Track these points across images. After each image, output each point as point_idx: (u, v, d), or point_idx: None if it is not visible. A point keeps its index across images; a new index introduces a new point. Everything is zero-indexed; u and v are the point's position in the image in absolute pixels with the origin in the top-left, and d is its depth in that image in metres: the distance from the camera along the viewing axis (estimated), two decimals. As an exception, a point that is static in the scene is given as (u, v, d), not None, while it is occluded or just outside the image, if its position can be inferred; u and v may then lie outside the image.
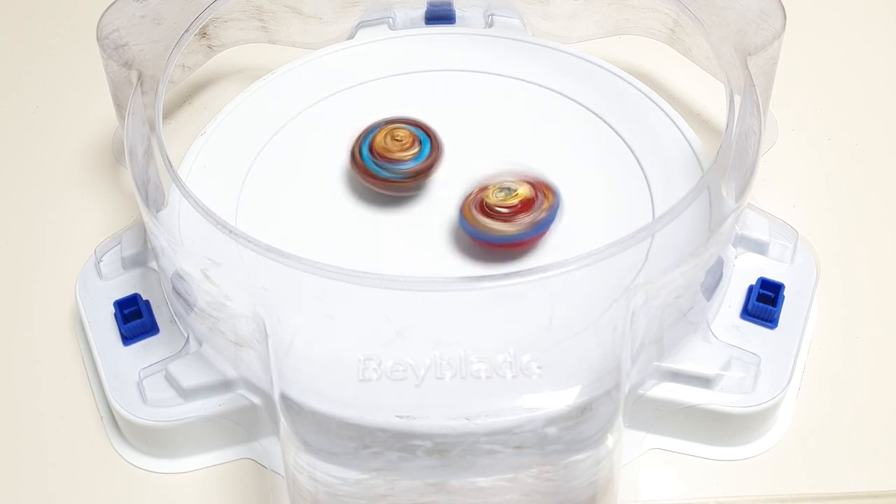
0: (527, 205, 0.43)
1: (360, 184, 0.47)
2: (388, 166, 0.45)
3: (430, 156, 0.46)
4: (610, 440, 0.37)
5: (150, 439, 0.42)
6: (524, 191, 0.44)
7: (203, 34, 0.53)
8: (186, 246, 0.43)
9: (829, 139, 0.55)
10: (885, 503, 0.42)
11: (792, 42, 0.53)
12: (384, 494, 0.37)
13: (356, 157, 0.46)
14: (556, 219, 0.44)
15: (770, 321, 0.44)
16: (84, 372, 0.46)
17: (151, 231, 0.42)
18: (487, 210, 0.43)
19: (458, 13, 0.56)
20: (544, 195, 0.44)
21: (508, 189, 0.44)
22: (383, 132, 0.46)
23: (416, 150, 0.46)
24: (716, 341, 0.43)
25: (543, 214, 0.43)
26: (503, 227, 0.43)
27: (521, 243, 0.44)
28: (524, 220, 0.43)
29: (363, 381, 0.38)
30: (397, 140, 0.46)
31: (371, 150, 0.46)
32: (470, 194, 0.44)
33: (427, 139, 0.46)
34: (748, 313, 0.44)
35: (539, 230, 0.44)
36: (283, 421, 0.37)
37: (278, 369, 0.38)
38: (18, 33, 0.62)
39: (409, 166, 0.45)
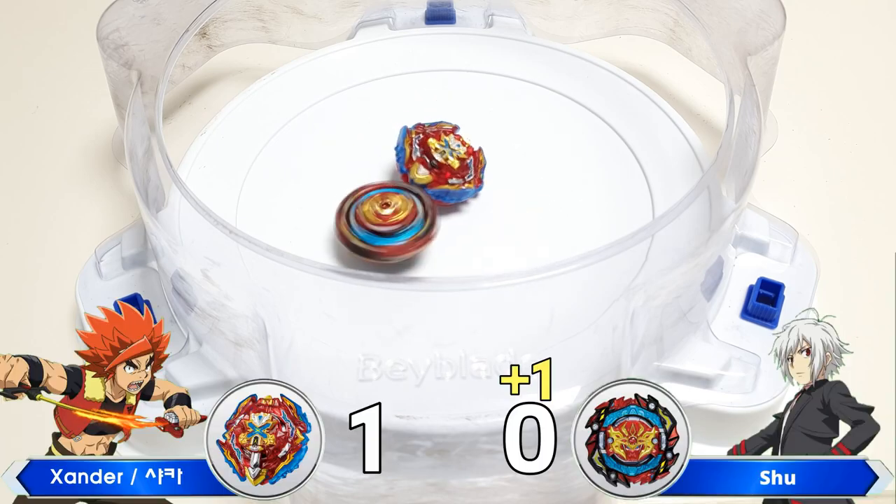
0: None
1: (359, 184, 0.47)
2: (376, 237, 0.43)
3: (420, 233, 0.43)
4: (610, 440, 0.37)
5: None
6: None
7: (203, 34, 0.53)
8: (186, 246, 0.43)
9: (829, 139, 0.55)
10: (885, 503, 0.42)
11: (792, 42, 0.53)
12: (384, 494, 0.37)
13: (340, 222, 0.44)
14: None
15: (770, 321, 0.44)
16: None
17: (151, 231, 0.42)
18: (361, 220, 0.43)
19: (458, 13, 0.56)
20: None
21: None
22: (370, 200, 0.44)
23: (403, 221, 0.43)
24: (716, 341, 0.43)
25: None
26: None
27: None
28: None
29: (363, 381, 0.38)
30: (387, 206, 0.43)
31: (357, 216, 0.43)
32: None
33: (423, 213, 0.44)
34: (748, 313, 0.44)
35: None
36: (283, 421, 0.37)
37: (278, 369, 0.38)
38: (18, 33, 0.62)
39: (398, 241, 0.43)
